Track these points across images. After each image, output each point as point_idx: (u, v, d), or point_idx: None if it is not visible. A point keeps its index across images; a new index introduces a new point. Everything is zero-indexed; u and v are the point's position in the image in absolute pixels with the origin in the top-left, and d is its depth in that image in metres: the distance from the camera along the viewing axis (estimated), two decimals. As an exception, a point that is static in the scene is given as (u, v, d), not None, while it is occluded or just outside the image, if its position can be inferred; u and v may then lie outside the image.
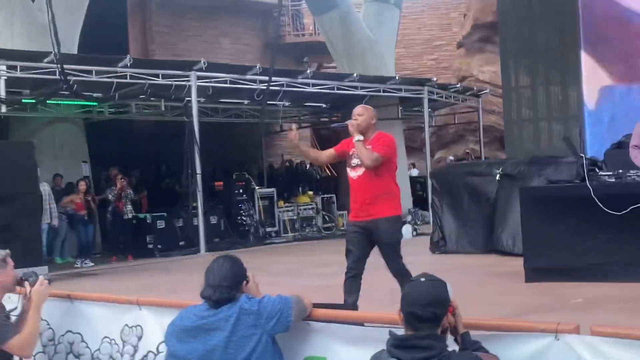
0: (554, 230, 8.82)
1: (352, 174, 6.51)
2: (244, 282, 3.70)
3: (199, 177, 15.72)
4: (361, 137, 6.34)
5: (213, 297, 3.55)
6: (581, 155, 9.09)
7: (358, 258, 6.53)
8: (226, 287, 3.56)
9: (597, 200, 8.12)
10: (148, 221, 15.99)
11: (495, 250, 11.85)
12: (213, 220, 16.87)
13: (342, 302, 6.41)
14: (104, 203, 16.00)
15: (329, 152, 6.89)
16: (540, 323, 3.25)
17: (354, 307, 6.22)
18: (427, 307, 3.03)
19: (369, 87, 18.97)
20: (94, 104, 16.98)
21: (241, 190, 17.88)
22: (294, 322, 3.60)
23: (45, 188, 14.27)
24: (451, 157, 24.47)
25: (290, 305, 3.57)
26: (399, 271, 6.48)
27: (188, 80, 15.80)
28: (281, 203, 18.62)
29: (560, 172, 10.68)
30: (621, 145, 10.32)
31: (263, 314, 3.51)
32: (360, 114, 6.52)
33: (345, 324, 3.71)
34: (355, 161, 6.45)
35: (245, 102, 19.77)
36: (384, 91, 19.27)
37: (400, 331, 3.15)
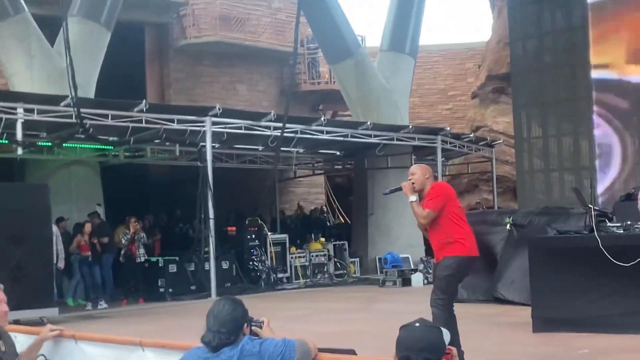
0: (562, 280, 8.81)
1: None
2: (245, 324, 3.72)
3: (211, 222, 15.80)
4: (414, 198, 6.67)
5: (212, 342, 3.59)
6: (590, 206, 9.10)
7: None
8: (225, 333, 3.59)
9: (605, 252, 8.12)
10: (160, 265, 16.07)
11: (500, 299, 11.84)
12: (225, 265, 16.93)
13: (347, 347, 6.41)
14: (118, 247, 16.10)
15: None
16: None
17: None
18: (421, 353, 3.06)
19: (383, 136, 19.08)
20: (110, 147, 17.17)
21: (254, 236, 17.95)
22: None
23: (54, 230, 14.39)
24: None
25: (294, 348, 3.58)
26: (432, 302, 6.81)
27: (203, 126, 15.96)
28: (293, 249, 18.66)
29: (569, 223, 10.69)
30: (630, 197, 10.35)
31: (264, 355, 3.53)
32: (414, 173, 6.83)
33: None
34: None
35: (260, 148, 19.91)
36: (397, 140, 19.38)
37: None
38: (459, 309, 11.48)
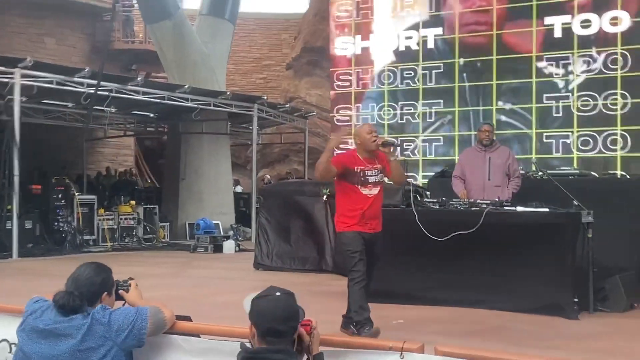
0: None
1: (365, 190, 6.81)
2: (105, 293, 3.57)
3: (16, 179, 15.06)
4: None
5: (60, 301, 3.41)
6: (408, 180, 9.43)
7: (365, 265, 6.79)
8: (77, 297, 3.42)
9: (421, 226, 8.42)
10: (-43, 223, 15.15)
11: (319, 269, 12.08)
12: (28, 224, 16.17)
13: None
14: None
15: (334, 170, 6.87)
16: (388, 341, 3.36)
17: (370, 320, 6.65)
18: (287, 322, 3.06)
19: (200, 100, 18.86)
20: None
21: (60, 196, 17.26)
22: (150, 335, 3.50)
23: None
24: (268, 177, 24.69)
25: (146, 317, 3.46)
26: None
27: (11, 78, 15.12)
28: (101, 211, 18.12)
29: (388, 196, 11.00)
30: (444, 174, 10.79)
31: (113, 326, 3.39)
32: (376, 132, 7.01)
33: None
34: (372, 179, 6.82)
35: (70, 105, 19.16)
36: (214, 105, 19.22)
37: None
38: (275, 277, 11.71)
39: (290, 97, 26.63)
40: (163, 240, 19.22)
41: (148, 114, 21.62)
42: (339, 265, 11.33)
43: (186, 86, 18.36)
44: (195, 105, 18.82)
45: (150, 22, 21.73)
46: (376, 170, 6.87)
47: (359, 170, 6.78)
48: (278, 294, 3.16)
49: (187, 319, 4.00)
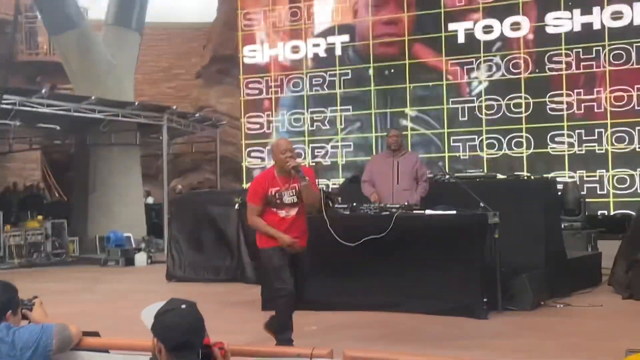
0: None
1: (282, 213, 6.56)
2: (9, 311, 3.47)
3: None
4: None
5: None
6: (320, 187, 9.45)
7: (289, 279, 6.55)
8: None
9: (332, 232, 8.46)
10: None
11: (232, 278, 12.02)
12: None
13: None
14: None
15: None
16: (296, 348, 3.37)
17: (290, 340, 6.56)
18: (199, 333, 3.01)
19: (107, 111, 18.53)
20: None
21: (-37, 213, 16.77)
22: (57, 353, 3.42)
23: None
24: (180, 186, 24.46)
25: (52, 335, 3.38)
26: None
27: None
28: (8, 228, 17.63)
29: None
30: (356, 179, 10.87)
31: (17, 344, 3.30)
32: (291, 149, 6.64)
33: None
34: (288, 199, 6.53)
35: (-27, 119, 18.61)
36: (122, 116, 18.92)
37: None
38: (188, 288, 11.61)
39: (200, 106, 26.44)
40: (73, 254, 18.79)
41: (54, 126, 21.12)
42: (252, 274, 11.32)
43: (93, 97, 18.01)
44: (103, 117, 18.49)
45: (55, 34, 21.30)
46: (293, 191, 6.56)
47: (274, 193, 6.53)
48: (183, 306, 3.07)
49: (95, 334, 3.93)
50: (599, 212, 17.12)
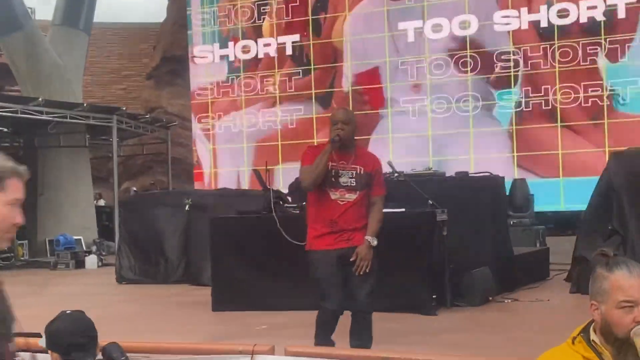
0: (240, 259, 9.08)
1: (335, 194, 5.48)
2: None
3: None
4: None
5: None
6: (269, 187, 9.46)
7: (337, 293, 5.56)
8: None
9: (282, 231, 8.45)
10: None
11: (184, 280, 11.96)
12: None
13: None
14: None
15: None
16: (238, 344, 3.36)
17: None
18: (85, 333, 3.07)
19: (55, 113, 18.32)
20: None
21: None
22: None
23: None
24: (134, 188, 24.27)
25: None
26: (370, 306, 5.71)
27: None
28: (-47, 231, 17.28)
29: (249, 204, 11.00)
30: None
31: None
32: (347, 122, 5.56)
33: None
34: (344, 180, 5.50)
35: None
36: (70, 118, 18.70)
37: None
38: (138, 290, 11.53)
39: (151, 107, 26.23)
40: (22, 258, 18.52)
41: (2, 128, 20.83)
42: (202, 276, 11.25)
43: (40, 99, 17.79)
44: (51, 119, 18.26)
45: (0, 35, 20.97)
46: (352, 172, 5.53)
47: (329, 167, 5.50)
48: (68, 311, 3.19)
49: (37, 335, 3.88)
50: (548, 210, 17.34)
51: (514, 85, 17.90)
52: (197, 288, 11.10)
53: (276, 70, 20.25)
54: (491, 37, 18.15)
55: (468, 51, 18.21)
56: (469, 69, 18.22)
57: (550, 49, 17.55)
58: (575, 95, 17.30)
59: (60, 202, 20.14)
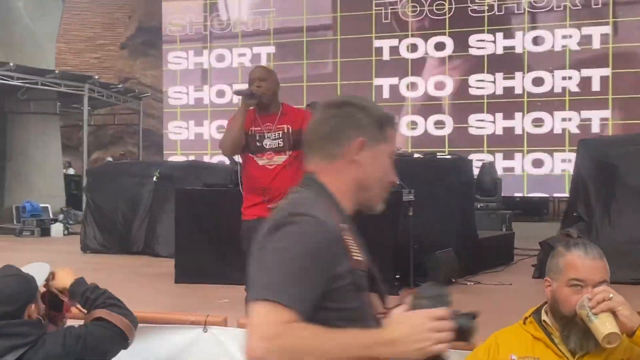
0: (205, 232, 9.05)
1: (262, 160, 5.14)
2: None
3: None
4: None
5: None
6: (237, 162, 9.41)
7: None
8: None
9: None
10: None
11: (149, 251, 11.91)
12: None
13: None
14: None
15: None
16: (191, 315, 3.35)
17: None
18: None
19: (27, 79, 18.13)
20: None
21: None
22: None
23: None
24: (110, 158, 24.11)
25: None
26: None
27: None
28: None
29: (215, 176, 10.96)
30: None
31: None
32: (264, 78, 5.16)
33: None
34: (268, 142, 5.13)
35: None
36: (42, 84, 18.51)
37: None
38: (102, 259, 11.46)
39: (125, 77, 26.05)
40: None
41: (-30, 92, 20.61)
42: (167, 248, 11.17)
43: (11, 64, 17.58)
44: (22, 84, 18.06)
45: (-28, -1, 20.67)
46: (279, 133, 5.16)
47: (252, 133, 5.20)
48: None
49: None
50: (516, 194, 17.47)
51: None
52: (161, 259, 11.04)
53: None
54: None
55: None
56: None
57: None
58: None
59: (29, 169, 19.95)
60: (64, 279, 3.03)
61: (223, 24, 20.70)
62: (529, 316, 2.77)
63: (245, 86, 5.45)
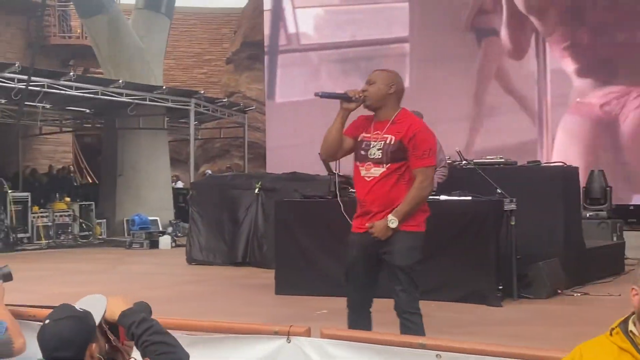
0: (304, 243, 9.06)
1: (362, 170, 4.72)
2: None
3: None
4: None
5: None
6: (335, 172, 9.39)
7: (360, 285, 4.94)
8: None
9: (346, 217, 8.38)
10: None
11: (253, 263, 12.03)
12: (-42, 223, 15.88)
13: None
14: None
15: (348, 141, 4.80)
16: (274, 325, 3.33)
17: None
18: (57, 352, 2.63)
19: (135, 95, 18.63)
20: None
21: (-8, 194, 16.94)
22: None
23: None
24: (209, 171, 24.54)
25: None
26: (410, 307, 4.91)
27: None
28: (35, 209, 17.81)
29: (315, 188, 10.98)
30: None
31: None
32: (373, 82, 4.69)
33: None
34: (372, 152, 4.67)
35: (2, 101, 18.82)
36: (150, 100, 19.00)
37: None
38: (206, 271, 11.65)
39: (230, 91, 26.50)
40: (100, 237, 18.97)
41: (84, 109, 21.32)
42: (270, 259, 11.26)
43: (120, 81, 18.12)
44: (131, 100, 18.58)
45: (85, 17, 21.43)
46: (382, 143, 4.66)
47: (360, 139, 4.76)
48: (47, 321, 2.67)
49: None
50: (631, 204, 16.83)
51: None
52: (263, 271, 11.13)
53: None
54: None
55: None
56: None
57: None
58: None
59: (139, 183, 20.51)
60: (113, 311, 2.84)
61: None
62: (616, 327, 2.63)
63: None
